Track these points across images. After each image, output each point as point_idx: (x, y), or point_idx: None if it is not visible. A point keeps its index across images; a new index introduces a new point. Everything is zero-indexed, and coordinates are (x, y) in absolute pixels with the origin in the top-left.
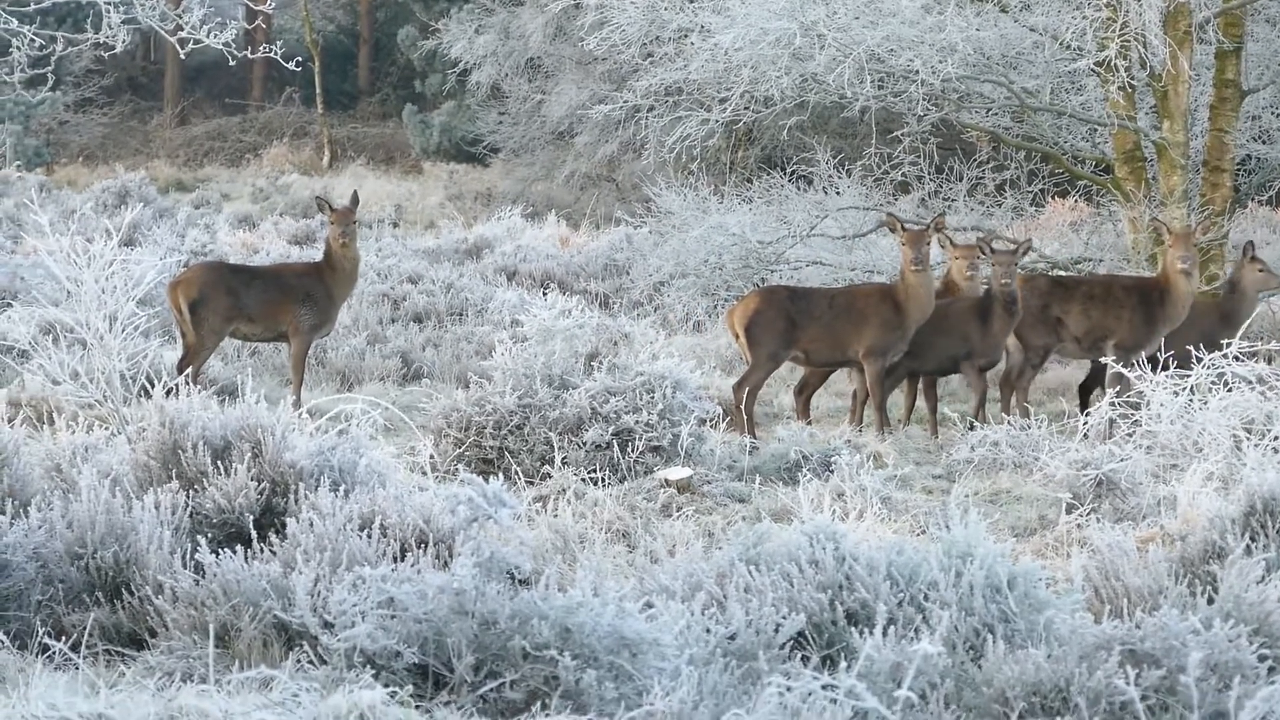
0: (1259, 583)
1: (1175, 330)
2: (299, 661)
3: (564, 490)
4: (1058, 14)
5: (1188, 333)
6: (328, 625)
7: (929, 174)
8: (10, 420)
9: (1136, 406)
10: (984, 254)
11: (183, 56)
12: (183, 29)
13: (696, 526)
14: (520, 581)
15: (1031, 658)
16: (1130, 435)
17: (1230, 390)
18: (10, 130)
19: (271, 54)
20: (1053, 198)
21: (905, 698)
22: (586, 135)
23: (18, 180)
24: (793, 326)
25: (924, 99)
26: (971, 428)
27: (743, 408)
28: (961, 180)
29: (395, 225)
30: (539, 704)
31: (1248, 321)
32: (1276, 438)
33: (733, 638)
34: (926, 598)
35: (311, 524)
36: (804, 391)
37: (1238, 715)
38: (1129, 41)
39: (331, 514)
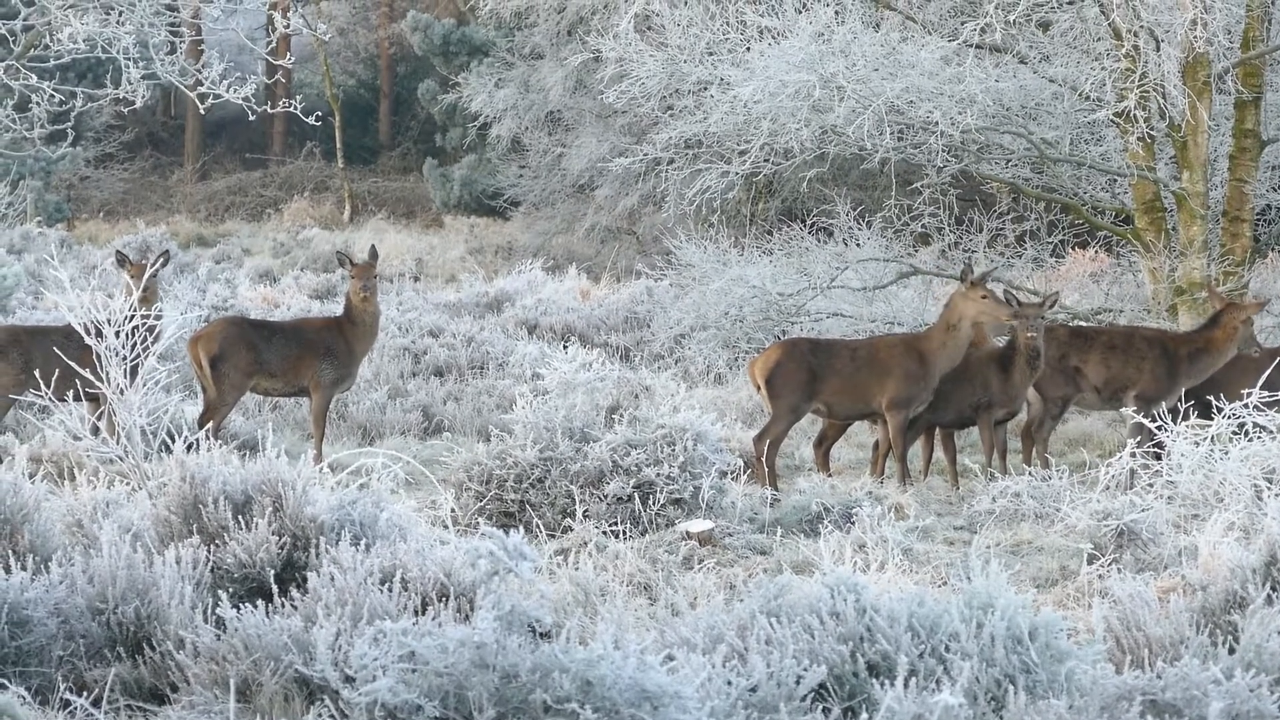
0: None
1: (1233, 378)
2: (320, 716)
3: (585, 543)
4: (1076, 65)
5: (1243, 379)
6: (349, 679)
7: (949, 225)
8: (31, 476)
9: (1158, 457)
10: (1010, 305)
11: (203, 112)
12: (203, 84)
13: (718, 579)
14: (541, 635)
15: (1053, 709)
16: (1151, 485)
17: (1251, 440)
18: (31, 186)
19: (292, 109)
20: (1073, 248)
21: None
22: (607, 188)
23: (39, 236)
24: (814, 379)
25: (943, 150)
26: (992, 479)
27: (764, 460)
28: (982, 231)
29: (416, 279)
30: None
31: None
32: None
33: (754, 690)
34: (948, 649)
35: (333, 578)
36: (823, 444)
37: None
38: (1148, 92)
39: (352, 568)
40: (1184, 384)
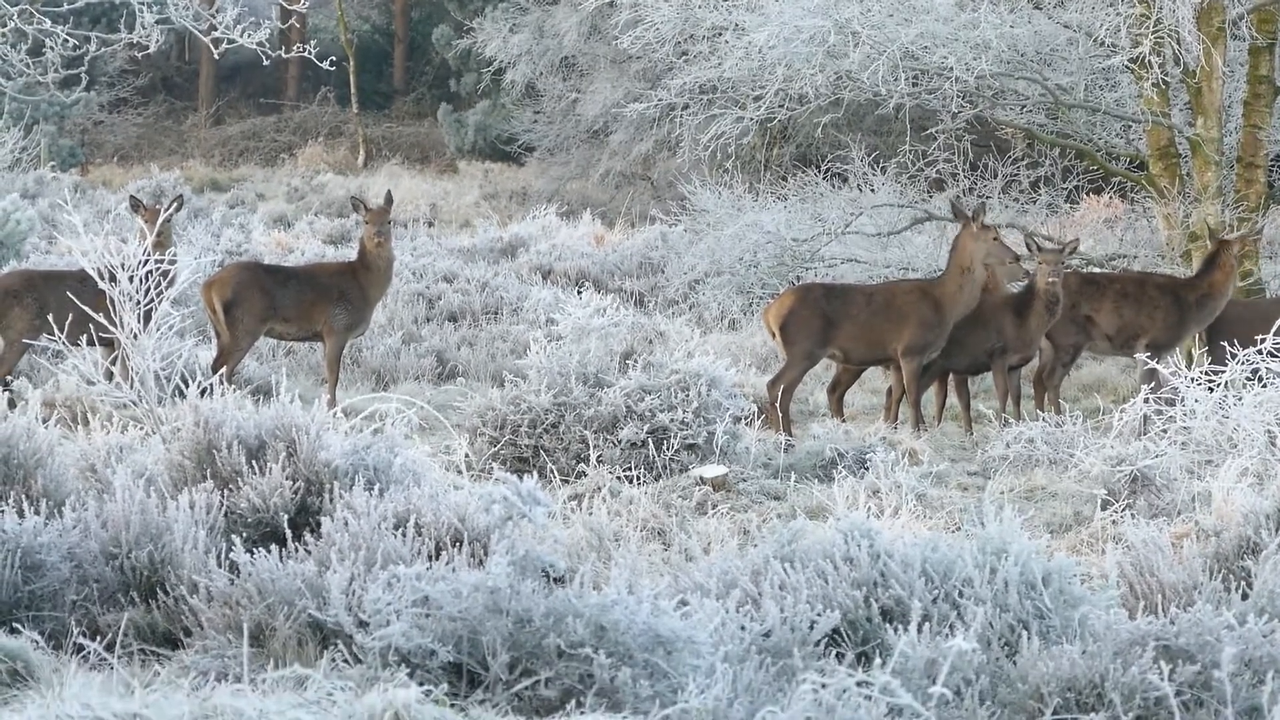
0: None
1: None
2: (334, 660)
3: (599, 488)
4: (1092, 10)
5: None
6: (362, 624)
7: (964, 171)
8: (45, 421)
9: (1171, 403)
10: (1030, 251)
11: (217, 56)
12: (216, 29)
13: (731, 524)
14: (555, 580)
15: (1066, 654)
16: (1165, 431)
17: (1265, 386)
18: (45, 130)
19: (306, 53)
20: (1087, 194)
21: (940, 694)
22: (621, 133)
23: (52, 180)
24: (829, 324)
25: (958, 96)
26: (1006, 424)
27: (778, 405)
28: (996, 177)
29: (430, 224)
30: (574, 702)
31: None
32: None
33: (767, 635)
34: (961, 594)
35: (346, 523)
36: (836, 389)
37: (1271, 710)
38: (1163, 38)
39: (366, 513)
40: (1193, 330)
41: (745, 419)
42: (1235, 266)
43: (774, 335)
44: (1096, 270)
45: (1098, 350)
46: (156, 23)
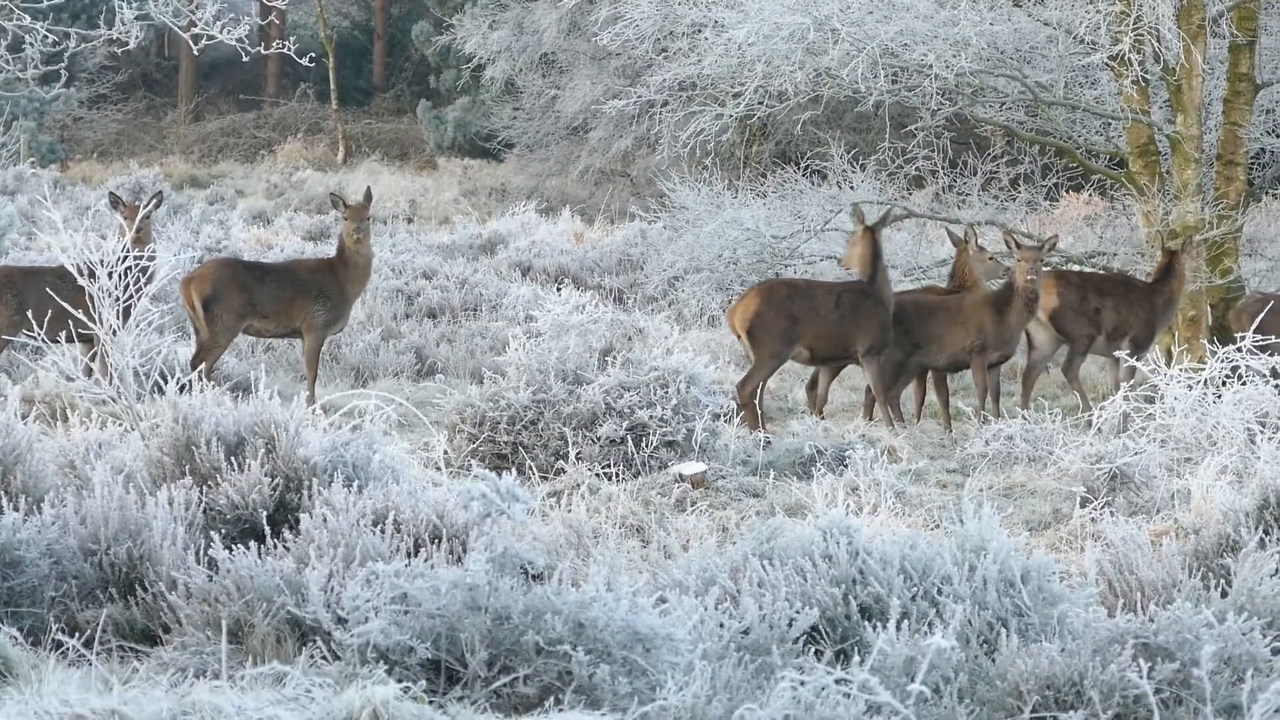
0: (1272, 576)
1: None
2: (312, 657)
3: (578, 485)
4: (1071, 8)
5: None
6: (341, 621)
7: (943, 168)
8: (24, 417)
9: (1151, 400)
10: (1010, 249)
11: (196, 53)
12: (196, 25)
13: (710, 521)
14: (534, 577)
15: (1045, 651)
16: (1145, 429)
17: (1244, 384)
18: (24, 127)
19: (285, 50)
20: (1067, 192)
21: (918, 692)
22: (601, 130)
23: (32, 177)
24: (794, 323)
25: (938, 93)
26: (985, 422)
27: (752, 404)
28: (976, 174)
29: (410, 221)
30: (552, 699)
31: None
32: None
33: (746, 632)
34: (940, 592)
35: (325, 520)
36: (815, 387)
37: (1250, 708)
38: (1143, 35)
39: (345, 510)
40: (1161, 331)
41: (724, 416)
42: (1187, 271)
43: (740, 336)
44: (1085, 270)
45: (1092, 348)
46: (136, 19)
